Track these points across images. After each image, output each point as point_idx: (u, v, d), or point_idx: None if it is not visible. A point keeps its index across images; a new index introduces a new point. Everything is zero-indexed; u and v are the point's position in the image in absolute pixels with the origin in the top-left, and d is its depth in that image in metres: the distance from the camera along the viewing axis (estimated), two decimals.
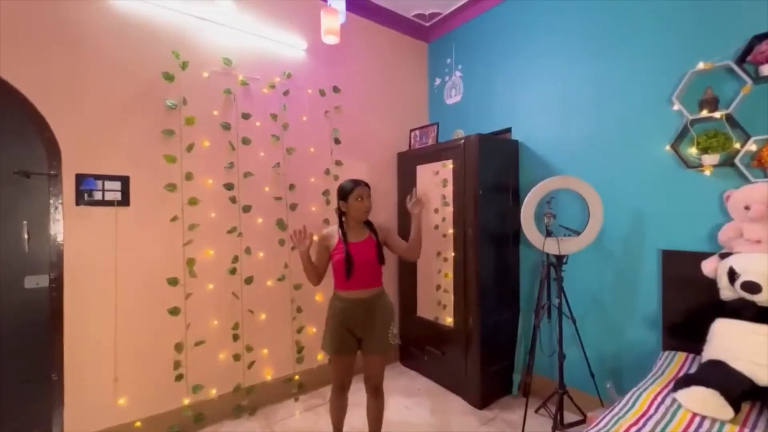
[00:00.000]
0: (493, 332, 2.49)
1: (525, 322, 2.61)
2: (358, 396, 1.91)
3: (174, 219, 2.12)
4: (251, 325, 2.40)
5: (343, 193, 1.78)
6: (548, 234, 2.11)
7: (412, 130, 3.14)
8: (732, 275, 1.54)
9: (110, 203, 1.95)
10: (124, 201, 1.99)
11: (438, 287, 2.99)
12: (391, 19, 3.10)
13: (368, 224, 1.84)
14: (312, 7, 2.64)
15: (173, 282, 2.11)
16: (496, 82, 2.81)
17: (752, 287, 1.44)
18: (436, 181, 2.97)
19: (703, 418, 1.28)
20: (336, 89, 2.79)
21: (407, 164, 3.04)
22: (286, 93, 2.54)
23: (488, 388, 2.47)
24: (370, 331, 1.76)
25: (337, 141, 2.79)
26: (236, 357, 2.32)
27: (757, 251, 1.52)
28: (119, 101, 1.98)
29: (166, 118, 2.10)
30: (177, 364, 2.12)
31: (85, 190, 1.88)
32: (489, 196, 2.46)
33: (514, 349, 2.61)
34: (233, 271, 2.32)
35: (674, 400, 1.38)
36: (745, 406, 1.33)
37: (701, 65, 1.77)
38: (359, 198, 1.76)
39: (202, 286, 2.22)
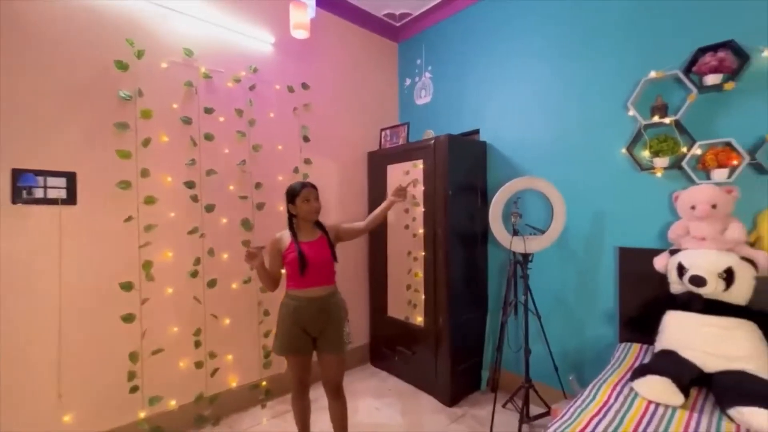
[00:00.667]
0: (463, 330, 2.53)
1: (493, 320, 2.67)
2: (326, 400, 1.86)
3: (128, 219, 1.97)
4: (214, 330, 2.28)
5: (291, 196, 1.81)
6: (515, 233, 2.17)
7: (382, 130, 3.13)
8: (681, 270, 1.65)
9: (53, 201, 1.77)
10: (70, 199, 1.82)
11: (408, 287, 3.00)
12: (361, 17, 3.07)
13: (319, 225, 1.87)
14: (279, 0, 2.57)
15: (127, 287, 1.96)
16: (465, 84, 2.86)
17: (699, 281, 1.55)
18: (406, 181, 2.98)
19: (657, 404, 1.35)
20: (305, 86, 2.72)
21: (378, 164, 3.02)
22: (252, 88, 2.44)
23: (458, 385, 2.50)
24: (324, 330, 1.76)
25: (306, 139, 2.72)
26: (198, 364, 2.20)
27: (702, 248, 1.63)
28: (64, 90, 1.81)
29: (119, 110, 1.95)
30: (131, 375, 1.97)
31: (23, 186, 1.71)
32: (458, 196, 2.49)
33: (482, 346, 2.66)
34: (195, 274, 2.19)
35: (632, 389, 1.45)
36: (693, 392, 1.43)
37: (653, 74, 1.89)
38: (306, 200, 1.78)
39: (160, 290, 2.08)
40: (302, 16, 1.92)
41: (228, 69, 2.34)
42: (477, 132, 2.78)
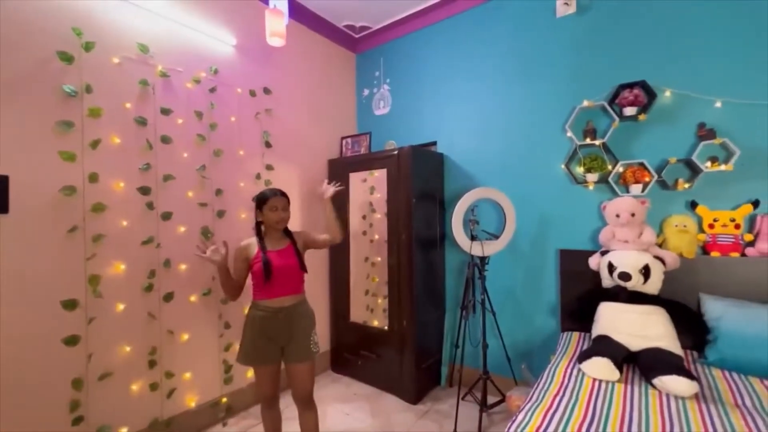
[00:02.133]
0: (425, 331, 2.68)
1: (450, 319, 2.87)
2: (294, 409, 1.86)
3: (73, 229, 1.76)
4: (171, 347, 2.12)
5: (259, 203, 1.80)
6: (473, 238, 2.38)
7: (343, 138, 3.18)
8: (611, 268, 1.99)
9: None
10: (1, 207, 1.57)
11: (366, 292, 3.09)
12: (321, 25, 3.10)
13: (288, 233, 1.87)
14: (242, 1, 2.49)
15: (70, 305, 1.74)
16: (423, 99, 3.04)
17: (625, 276, 1.89)
18: (364, 188, 3.08)
19: (600, 381, 1.62)
20: (267, 91, 2.66)
21: (339, 171, 3.06)
22: (212, 90, 2.33)
23: (420, 383, 2.64)
24: (291, 339, 1.75)
25: (268, 144, 2.66)
26: (153, 386, 2.02)
27: (626, 249, 1.98)
28: None
29: (62, 107, 1.74)
30: (75, 405, 1.75)
31: None
32: (419, 204, 2.65)
33: (441, 344, 2.84)
34: (149, 288, 2.02)
35: (579, 370, 1.71)
36: (625, 368, 1.73)
37: (585, 102, 2.24)
38: (274, 208, 1.78)
39: (109, 307, 1.88)
40: (278, 24, 1.91)
41: (187, 69, 2.21)
42: (435, 144, 2.98)
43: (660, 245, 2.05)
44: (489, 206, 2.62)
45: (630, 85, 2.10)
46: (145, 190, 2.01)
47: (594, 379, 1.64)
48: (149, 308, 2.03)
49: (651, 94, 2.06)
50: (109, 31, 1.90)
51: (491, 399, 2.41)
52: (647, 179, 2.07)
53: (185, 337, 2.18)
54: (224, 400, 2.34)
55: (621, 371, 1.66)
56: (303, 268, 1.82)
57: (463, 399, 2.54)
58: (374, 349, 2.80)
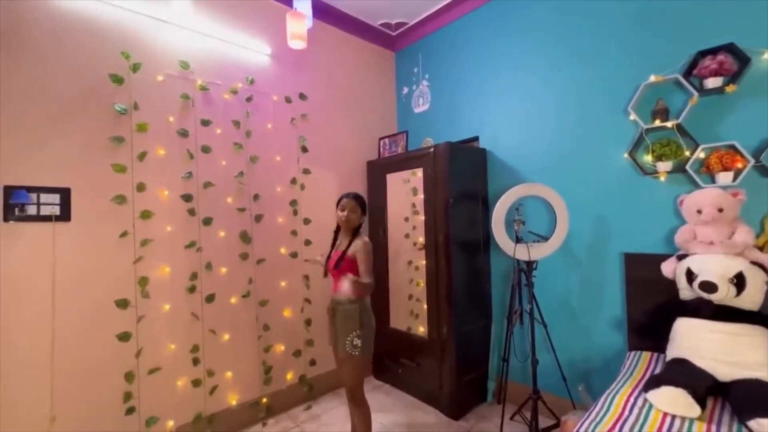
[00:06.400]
0: (467, 340, 2.48)
1: (497, 329, 2.62)
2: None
3: (124, 234, 1.93)
4: (213, 346, 2.22)
5: (337, 203, 1.94)
6: (518, 240, 2.14)
7: (381, 139, 3.12)
8: (690, 276, 1.62)
9: (47, 218, 1.73)
10: (64, 215, 1.78)
11: (410, 297, 2.95)
12: (357, 27, 3.07)
13: (354, 236, 1.89)
14: (276, 10, 2.56)
15: (123, 304, 1.91)
16: (463, 92, 2.85)
17: (709, 287, 1.52)
18: (406, 190, 2.96)
19: (674, 417, 1.31)
20: (302, 96, 2.70)
21: (377, 173, 3.00)
22: (249, 99, 2.42)
23: (463, 398, 2.44)
24: (337, 334, 1.85)
25: (304, 149, 2.69)
26: (196, 383, 2.13)
27: (711, 252, 1.60)
28: (57, 105, 1.78)
29: (114, 124, 1.92)
30: (128, 396, 1.91)
31: (15, 204, 1.66)
32: (459, 204, 2.46)
33: (487, 356, 2.60)
34: (192, 289, 2.14)
35: (646, 400, 1.41)
36: (709, 402, 1.38)
37: (652, 78, 1.88)
38: (342, 209, 1.88)
39: (156, 307, 2.02)
40: (299, 27, 1.91)
41: (225, 81, 2.32)
42: (476, 139, 2.76)
43: (761, 248, 1.62)
44: (538, 205, 2.34)
45: (712, 51, 1.71)
46: (187, 197, 2.14)
47: (665, 414, 1.32)
48: (192, 308, 2.15)
49: (742, 59, 1.65)
50: (154, 52, 2.06)
51: (545, 422, 2.14)
52: (740, 165, 1.66)
53: (226, 336, 2.27)
54: (264, 400, 2.39)
55: (703, 406, 1.32)
56: (336, 266, 1.83)
57: (511, 419, 2.29)
58: (414, 358, 2.66)
